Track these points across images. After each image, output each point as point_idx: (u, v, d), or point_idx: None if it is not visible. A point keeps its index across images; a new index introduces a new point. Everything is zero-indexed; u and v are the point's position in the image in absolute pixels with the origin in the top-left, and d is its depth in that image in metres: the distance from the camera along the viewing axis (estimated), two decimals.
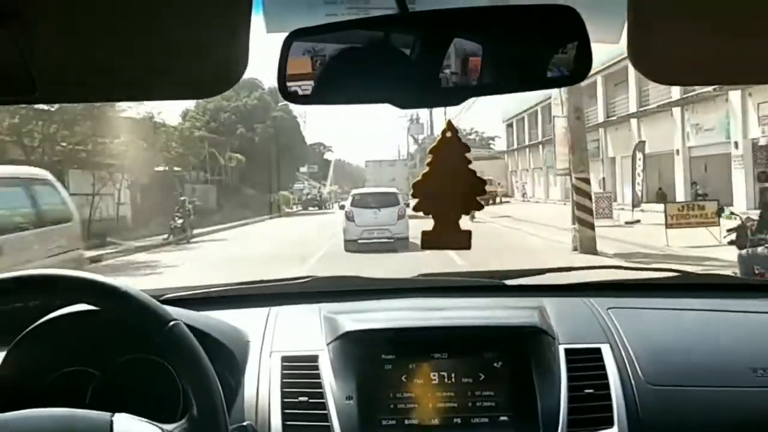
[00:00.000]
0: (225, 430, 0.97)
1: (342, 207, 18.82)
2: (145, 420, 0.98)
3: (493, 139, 54.26)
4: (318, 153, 61.47)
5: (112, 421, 0.95)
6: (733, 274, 6.44)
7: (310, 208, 37.51)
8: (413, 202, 1.06)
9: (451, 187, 1.02)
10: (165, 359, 1.28)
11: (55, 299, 1.08)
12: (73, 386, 1.29)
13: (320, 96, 0.80)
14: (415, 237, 14.04)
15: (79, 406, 1.00)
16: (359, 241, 14.86)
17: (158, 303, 1.02)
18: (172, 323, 1.00)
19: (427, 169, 1.03)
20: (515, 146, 41.97)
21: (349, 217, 15.47)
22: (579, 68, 0.82)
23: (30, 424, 0.93)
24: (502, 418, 1.30)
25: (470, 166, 1.04)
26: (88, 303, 1.06)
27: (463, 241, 1.01)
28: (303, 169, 45.18)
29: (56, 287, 1.01)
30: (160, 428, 0.97)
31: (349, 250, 14.52)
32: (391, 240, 14.84)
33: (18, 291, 1.01)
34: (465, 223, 1.05)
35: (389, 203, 15.54)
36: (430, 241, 1.01)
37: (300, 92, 0.80)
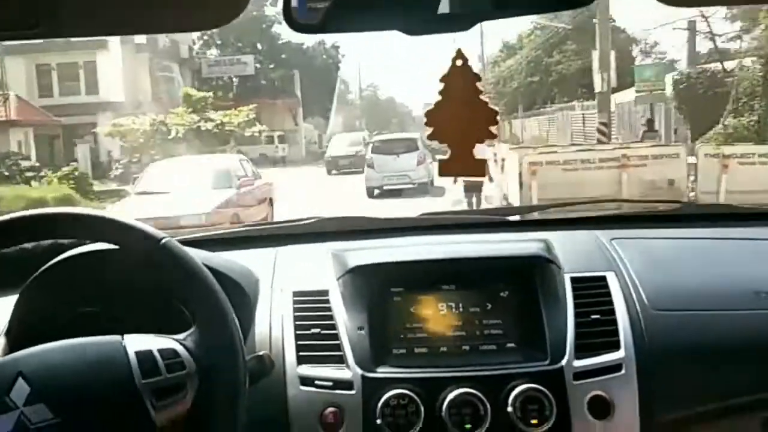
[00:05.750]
0: (237, 332, 0.97)
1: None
2: (155, 334, 0.99)
3: None
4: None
5: (123, 342, 0.95)
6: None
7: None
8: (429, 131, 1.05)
9: (465, 115, 1.01)
10: (162, 278, 1.29)
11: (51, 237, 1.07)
12: (84, 327, 1.31)
13: (327, 24, 0.79)
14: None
15: None
16: (383, 188, 14.95)
17: (145, 224, 1.02)
18: (164, 239, 0.99)
19: (439, 97, 1.02)
20: None
21: (369, 165, 15.50)
22: None
23: (41, 358, 0.93)
24: (509, 344, 1.33)
25: (482, 96, 1.03)
26: (80, 236, 1.05)
27: (478, 169, 1.01)
28: None
29: (56, 225, 1.01)
30: (171, 338, 0.97)
31: (371, 197, 14.63)
32: (413, 185, 14.80)
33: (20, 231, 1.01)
34: None
35: (409, 149, 15.40)
36: (446, 170, 1.02)
37: (305, 21, 0.78)
